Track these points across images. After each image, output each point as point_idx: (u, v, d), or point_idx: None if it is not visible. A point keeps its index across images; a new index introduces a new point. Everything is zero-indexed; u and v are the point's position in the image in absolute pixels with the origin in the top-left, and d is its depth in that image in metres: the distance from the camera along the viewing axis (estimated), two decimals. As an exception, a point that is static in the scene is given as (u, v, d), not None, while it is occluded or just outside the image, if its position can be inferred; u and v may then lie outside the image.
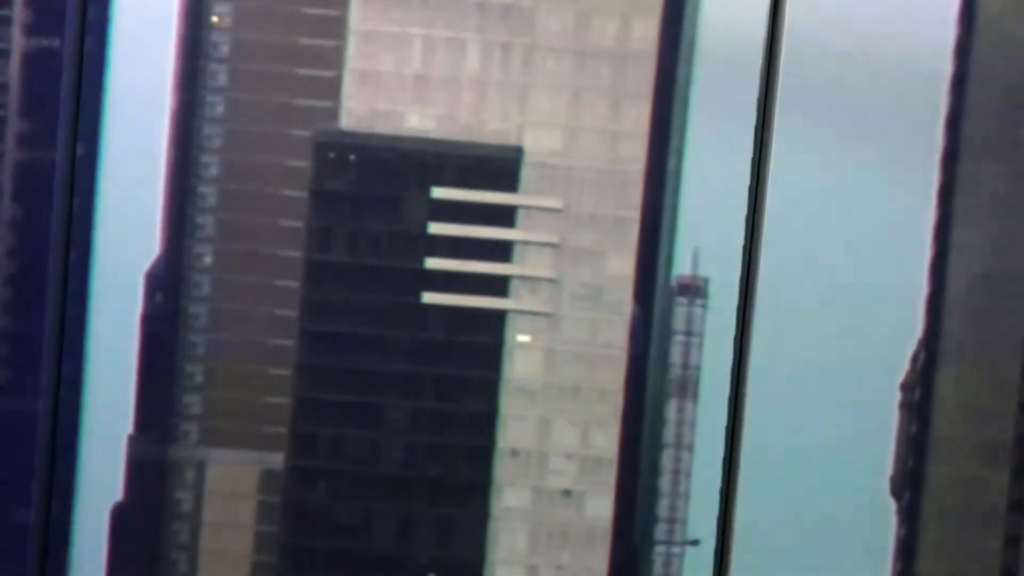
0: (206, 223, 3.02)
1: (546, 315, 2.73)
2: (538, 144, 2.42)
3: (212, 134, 3.00)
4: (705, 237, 2.17)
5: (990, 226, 2.00)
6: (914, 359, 2.36)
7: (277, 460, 3.01)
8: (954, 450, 2.50)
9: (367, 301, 2.76)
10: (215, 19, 2.96)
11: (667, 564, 3.05)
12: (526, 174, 2.53)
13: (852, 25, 1.98)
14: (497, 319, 2.65)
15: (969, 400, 2.39)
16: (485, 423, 2.75)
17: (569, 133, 2.47)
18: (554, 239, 2.54)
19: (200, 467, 3.09)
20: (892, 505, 2.56)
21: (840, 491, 2.37)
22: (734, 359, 1.91)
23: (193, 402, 3.08)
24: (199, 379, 3.10)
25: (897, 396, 2.43)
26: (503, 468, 2.80)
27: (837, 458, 2.29)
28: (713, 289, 2.42)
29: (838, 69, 2.03)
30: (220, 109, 2.99)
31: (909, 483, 2.73)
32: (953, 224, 1.98)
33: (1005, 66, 1.99)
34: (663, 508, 2.92)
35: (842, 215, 2.07)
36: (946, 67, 2.00)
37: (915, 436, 2.45)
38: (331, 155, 2.74)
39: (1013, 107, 2.00)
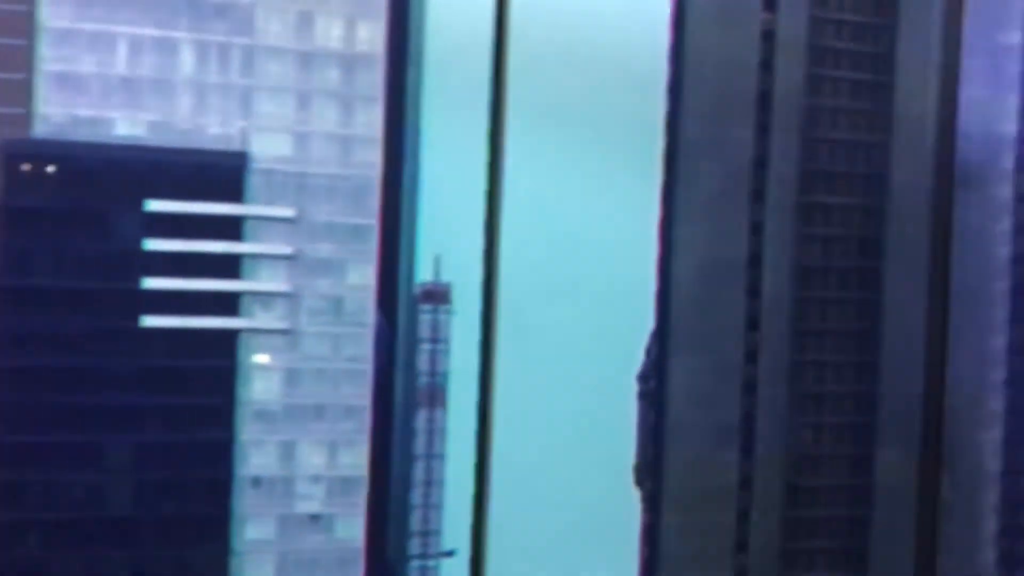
0: None
1: (283, 332, 2.56)
2: (265, 150, 2.18)
3: None
4: (447, 242, 2.12)
5: (708, 222, 2.08)
6: (648, 351, 2.44)
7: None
8: (688, 435, 2.61)
9: (76, 329, 2.44)
10: None
11: (423, 578, 3.01)
12: (253, 182, 2.33)
13: (578, 29, 2.00)
14: (228, 340, 2.35)
15: (699, 386, 2.50)
16: (221, 452, 2.55)
17: (298, 138, 2.32)
18: (288, 250, 2.38)
19: None
20: (637, 493, 2.65)
21: (588, 486, 2.41)
22: (481, 363, 1.88)
23: None
24: None
25: (635, 387, 2.51)
26: (245, 499, 2.60)
27: (584, 454, 2.32)
28: (457, 294, 2.38)
29: (567, 73, 2.04)
30: None
31: (650, 471, 2.84)
32: (675, 221, 2.05)
33: (713, 71, 2.09)
34: (417, 521, 2.86)
35: (577, 215, 2.09)
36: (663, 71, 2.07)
37: (653, 425, 2.54)
38: (24, 167, 2.37)
39: (723, 109, 2.09)
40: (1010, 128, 2.18)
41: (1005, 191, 2.20)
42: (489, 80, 2.11)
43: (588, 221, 2.04)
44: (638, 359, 2.38)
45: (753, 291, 2.09)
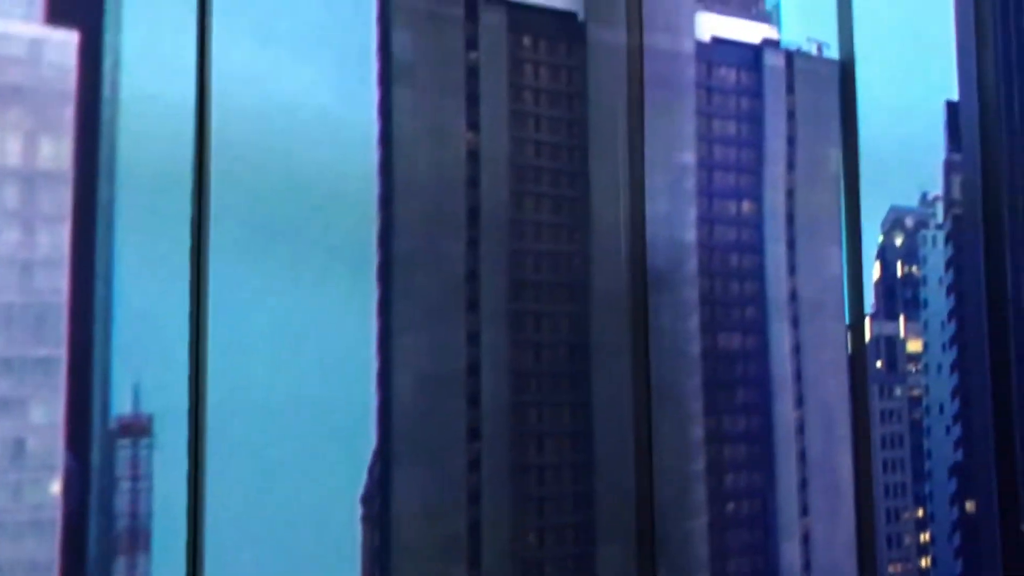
0: None
1: (-49, 483, 2.22)
2: (-74, 278, 2.10)
3: None
4: (147, 370, 1.95)
5: (426, 334, 2.08)
6: (371, 470, 2.37)
7: None
8: (415, 552, 2.55)
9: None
10: None
11: None
12: (-90, 315, 2.06)
13: (284, 139, 1.96)
14: None
15: (424, 500, 2.46)
16: None
17: (-32, 265, 2.09)
18: (-42, 390, 2.18)
19: None
20: (365, 623, 2.52)
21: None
22: (188, 500, 1.73)
23: None
24: None
25: (359, 510, 2.41)
26: None
27: (308, 586, 2.18)
28: (159, 426, 2.19)
29: (275, 189, 1.99)
30: None
31: (378, 595, 2.74)
32: (393, 335, 2.03)
33: (423, 188, 2.12)
34: None
35: (289, 332, 2.01)
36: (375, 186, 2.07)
37: (378, 548, 2.45)
38: None
39: (434, 224, 2.12)
40: (691, 236, 2.39)
41: (692, 293, 2.39)
42: (191, 198, 2.01)
43: (303, 340, 1.96)
44: (361, 480, 2.30)
45: (473, 399, 2.10)
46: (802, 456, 2.26)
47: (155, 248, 1.78)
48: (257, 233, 1.79)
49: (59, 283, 1.65)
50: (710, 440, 2.10)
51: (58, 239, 1.58)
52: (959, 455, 2.50)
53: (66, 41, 1.66)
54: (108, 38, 1.70)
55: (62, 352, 1.77)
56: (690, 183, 2.07)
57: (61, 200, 1.55)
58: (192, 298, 1.86)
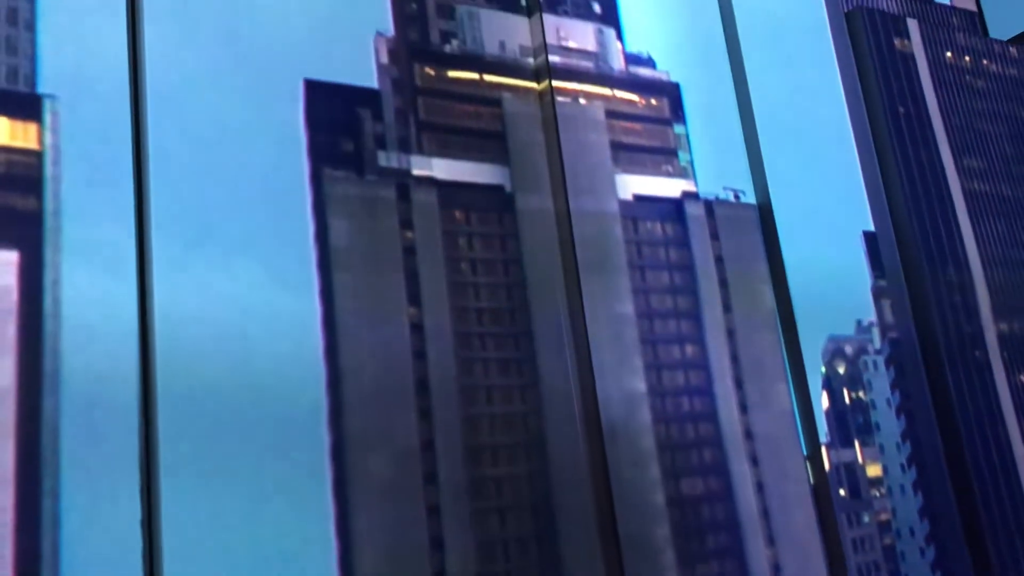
0: None
1: None
2: None
3: None
4: (99, 585, 1.87)
5: (385, 510, 2.05)
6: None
7: None
8: None
9: None
10: None
11: None
12: None
13: (224, 337, 1.98)
14: None
15: None
16: None
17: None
18: None
19: None
20: None
21: None
22: None
23: None
24: None
25: None
26: None
27: None
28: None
29: (219, 383, 1.99)
30: None
31: None
32: (351, 515, 2.00)
33: (369, 365, 2.14)
34: None
35: (244, 531, 1.96)
36: (321, 367, 2.08)
37: None
38: None
39: (384, 399, 2.13)
40: (640, 384, 2.42)
41: (648, 441, 2.39)
42: (138, 404, 2.01)
43: (259, 535, 1.88)
44: None
45: (439, 574, 2.03)
46: (782, 597, 2.22)
47: (103, 462, 1.77)
48: (207, 436, 1.79)
49: (3, 502, 1.62)
50: (686, 588, 2.06)
51: (2, 455, 1.56)
52: (938, 577, 2.47)
53: (6, 261, 1.70)
54: (48, 255, 1.75)
55: (6, 572, 1.69)
56: (632, 333, 2.13)
57: (5, 417, 1.55)
58: (144, 514, 1.83)
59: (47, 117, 1.96)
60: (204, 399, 1.95)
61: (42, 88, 1.96)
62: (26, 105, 1.96)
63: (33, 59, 1.98)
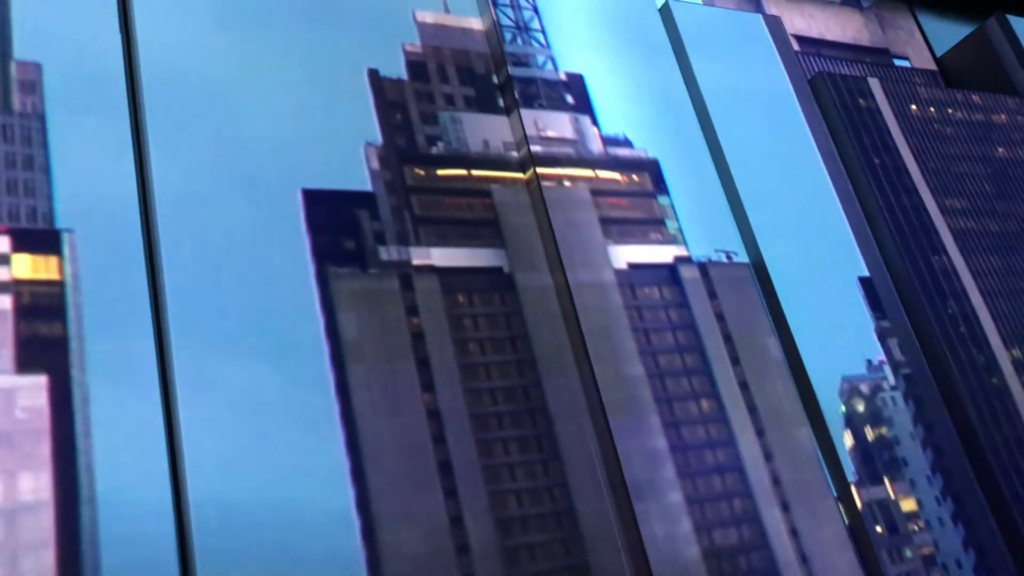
0: None
1: None
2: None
3: None
4: None
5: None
6: None
7: None
8: None
9: None
10: None
11: None
12: None
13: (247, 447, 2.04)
14: None
15: None
16: None
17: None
18: None
19: None
20: None
21: None
22: None
23: None
24: None
25: None
26: None
27: None
28: None
29: (245, 500, 2.04)
30: None
31: None
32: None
33: (392, 453, 2.19)
34: None
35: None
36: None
37: None
38: None
39: (409, 485, 2.16)
40: (661, 443, 2.45)
41: (676, 496, 2.40)
42: (172, 513, 2.07)
43: None
44: None
45: (482, 644, 2.01)
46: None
47: (140, 567, 1.83)
48: (240, 541, 1.86)
49: (48, 608, 1.67)
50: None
51: (44, 564, 1.63)
52: (994, 608, 2.43)
53: (37, 384, 1.82)
54: (75, 376, 1.86)
55: None
56: (646, 393, 2.20)
57: (44, 527, 1.62)
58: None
59: (66, 249, 2.09)
60: (233, 512, 2.00)
61: (59, 223, 2.10)
62: (46, 241, 2.10)
63: (50, 198, 2.14)
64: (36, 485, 1.85)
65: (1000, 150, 3.72)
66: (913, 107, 3.62)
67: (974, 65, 4.10)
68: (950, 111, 3.76)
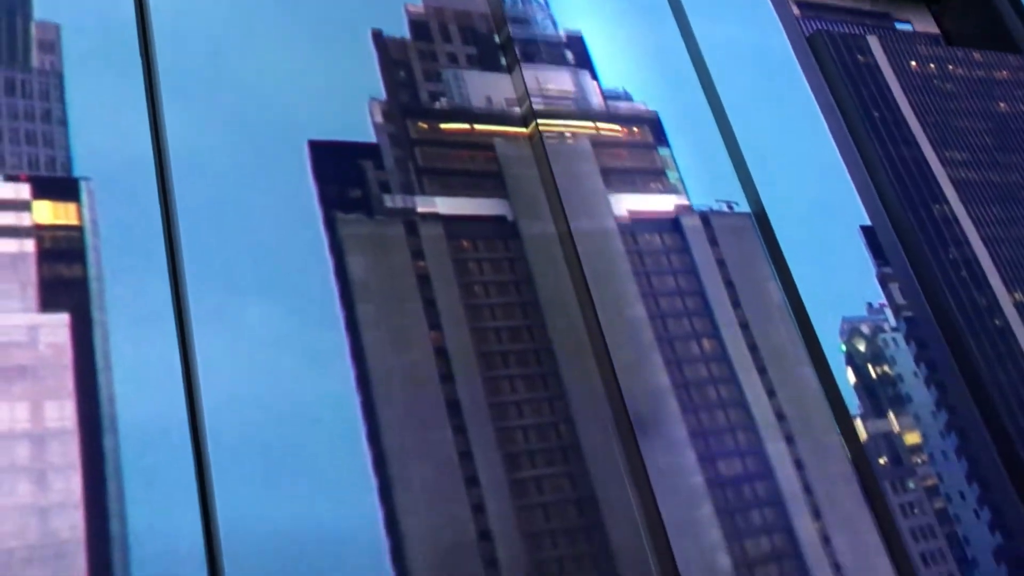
0: None
1: None
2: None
3: None
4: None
5: (431, 513, 2.13)
6: None
7: None
8: None
9: None
10: None
11: None
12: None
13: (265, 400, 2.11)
14: None
15: None
16: None
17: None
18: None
19: None
20: None
21: None
22: None
23: None
24: None
25: None
26: None
27: None
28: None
29: (262, 415, 2.12)
30: None
31: None
32: (399, 518, 2.08)
33: (400, 388, 2.27)
34: None
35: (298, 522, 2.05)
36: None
37: None
38: None
39: (414, 419, 2.25)
40: (664, 379, 2.50)
41: (680, 431, 2.45)
42: (189, 442, 2.15)
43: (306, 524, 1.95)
44: None
45: (491, 562, 2.08)
46: (837, 567, 2.27)
47: (161, 486, 1.93)
48: (257, 459, 1.96)
49: (75, 521, 1.77)
50: (737, 567, 2.13)
51: (70, 486, 1.73)
52: (999, 538, 2.48)
53: (59, 322, 1.92)
54: (95, 315, 1.96)
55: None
56: (647, 334, 2.26)
57: (70, 452, 1.72)
58: (202, 514, 1.96)
59: (84, 196, 2.19)
60: (247, 437, 2.09)
61: (77, 172, 2.20)
62: (65, 188, 2.20)
63: (68, 149, 2.24)
64: (61, 414, 1.94)
65: (1002, 105, 3.75)
66: (913, 63, 3.66)
67: (976, 25, 4.13)
68: (950, 67, 3.80)
